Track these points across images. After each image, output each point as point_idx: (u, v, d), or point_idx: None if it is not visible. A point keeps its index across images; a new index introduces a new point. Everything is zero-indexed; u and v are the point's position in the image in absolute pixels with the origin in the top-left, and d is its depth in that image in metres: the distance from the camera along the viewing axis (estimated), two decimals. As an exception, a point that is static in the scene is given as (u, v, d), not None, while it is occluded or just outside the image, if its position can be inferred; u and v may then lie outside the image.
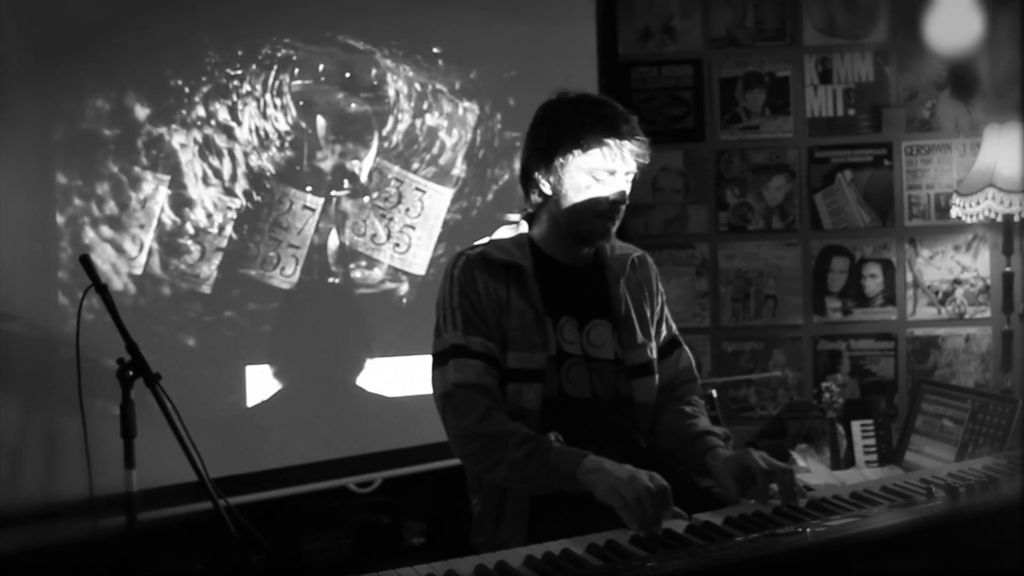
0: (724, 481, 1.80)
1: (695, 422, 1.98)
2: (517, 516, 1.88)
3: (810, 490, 1.82)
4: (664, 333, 2.10)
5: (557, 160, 1.91)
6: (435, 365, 1.92)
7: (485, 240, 2.03)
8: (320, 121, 2.79)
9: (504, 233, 2.03)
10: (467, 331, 1.88)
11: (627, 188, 1.92)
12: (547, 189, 1.94)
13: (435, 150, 2.99)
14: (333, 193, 2.82)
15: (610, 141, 1.87)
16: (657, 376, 2.03)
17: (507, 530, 1.89)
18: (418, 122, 2.96)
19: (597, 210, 1.91)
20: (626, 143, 1.88)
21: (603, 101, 1.95)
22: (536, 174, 1.95)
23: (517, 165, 3.17)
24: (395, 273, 2.94)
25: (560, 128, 1.91)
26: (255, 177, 2.69)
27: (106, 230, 2.47)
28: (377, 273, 2.91)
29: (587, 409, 1.93)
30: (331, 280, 2.84)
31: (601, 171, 1.89)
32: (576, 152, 1.89)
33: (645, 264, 2.11)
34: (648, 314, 2.05)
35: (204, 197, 2.61)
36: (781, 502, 1.70)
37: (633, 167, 1.91)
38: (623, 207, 1.93)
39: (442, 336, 1.92)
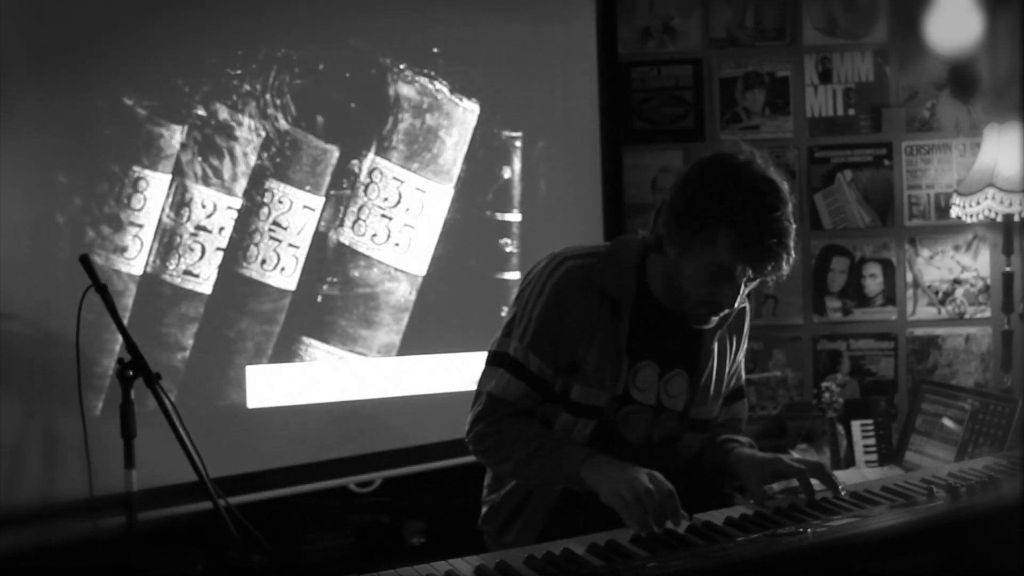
0: (753, 486, 1.81)
1: (720, 432, 1.99)
2: (535, 520, 1.88)
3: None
4: (733, 383, 2.02)
5: (683, 234, 1.73)
6: (489, 361, 1.86)
7: (594, 249, 1.89)
8: (320, 121, 2.78)
9: (615, 253, 1.87)
10: (532, 347, 1.79)
11: (744, 291, 1.76)
12: (668, 251, 1.79)
13: (435, 150, 2.99)
14: (333, 192, 2.82)
15: (743, 256, 1.69)
16: (706, 435, 1.97)
17: (521, 525, 1.88)
18: (418, 122, 2.95)
19: (703, 300, 1.76)
20: (762, 263, 1.70)
21: (759, 210, 1.68)
22: (664, 231, 1.78)
23: (517, 165, 3.19)
24: (395, 273, 2.93)
25: (702, 215, 1.71)
26: (255, 177, 2.69)
27: (106, 230, 2.47)
28: (376, 273, 2.91)
29: (636, 451, 1.85)
30: (331, 280, 2.84)
31: (723, 271, 1.72)
32: (705, 243, 1.71)
33: (743, 317, 1.99)
34: (728, 369, 1.98)
35: (204, 197, 2.61)
36: (832, 495, 1.75)
37: (757, 279, 1.76)
38: (732, 306, 1.78)
39: (509, 338, 1.83)
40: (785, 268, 1.72)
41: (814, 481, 1.78)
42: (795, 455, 3.11)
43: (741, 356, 2.02)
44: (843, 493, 1.75)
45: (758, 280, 1.76)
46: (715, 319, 1.81)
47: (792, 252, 1.72)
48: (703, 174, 1.76)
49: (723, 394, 1.97)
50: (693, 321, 1.82)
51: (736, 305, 1.79)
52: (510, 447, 1.80)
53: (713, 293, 1.75)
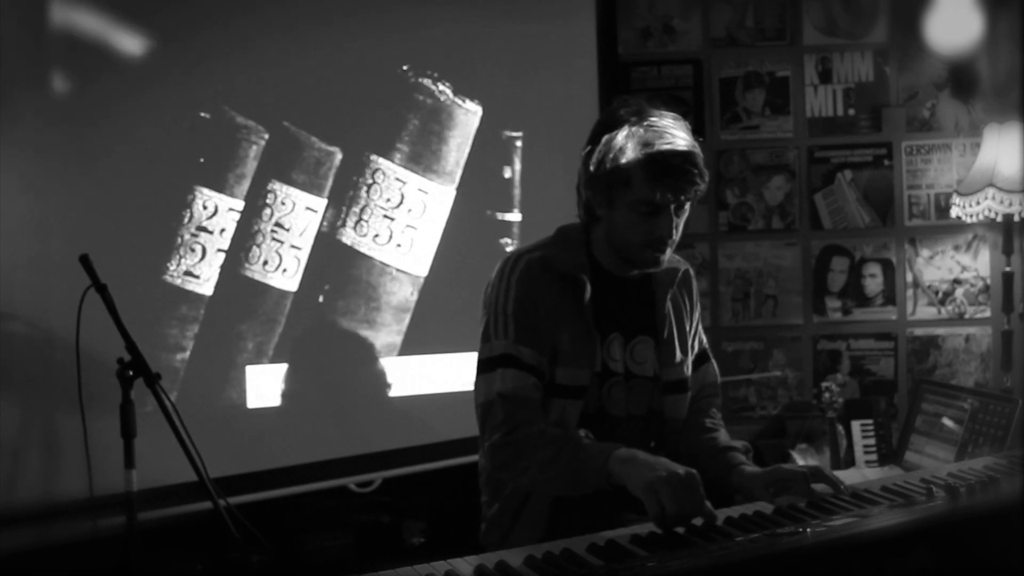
0: (759, 495, 1.81)
1: (716, 436, 2.00)
2: (536, 520, 1.87)
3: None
4: (696, 348, 2.08)
5: (603, 188, 1.84)
6: (481, 371, 1.87)
7: (542, 241, 1.96)
8: (321, 121, 2.78)
9: (563, 239, 1.95)
10: (519, 340, 1.82)
11: (678, 220, 1.84)
12: (598, 211, 1.88)
13: (435, 150, 2.99)
14: (335, 194, 2.82)
15: (659, 182, 1.78)
16: (689, 393, 2.01)
17: (523, 531, 1.87)
18: (418, 122, 2.96)
19: (644, 241, 1.84)
20: (677, 184, 1.79)
21: (656, 139, 1.81)
22: (586, 194, 1.89)
23: (518, 165, 3.19)
24: (396, 274, 2.94)
25: (610, 157, 1.82)
26: (257, 178, 2.69)
27: (107, 230, 2.47)
28: (378, 273, 2.91)
29: (622, 426, 1.90)
30: (332, 280, 2.84)
31: (649, 205, 1.80)
32: (623, 187, 1.81)
33: (689, 278, 2.06)
34: (688, 329, 2.03)
35: (206, 198, 2.61)
36: (834, 494, 1.76)
37: (685, 202, 1.83)
38: (672, 240, 1.85)
39: (491, 343, 1.86)
40: (701, 185, 1.81)
41: (819, 485, 1.78)
42: (795, 456, 3.13)
43: (697, 319, 2.08)
44: (844, 489, 1.76)
45: (687, 203, 1.84)
46: (664, 255, 1.86)
47: (704, 170, 1.81)
48: (599, 131, 1.87)
49: (688, 356, 2.02)
50: (645, 265, 1.89)
51: (675, 236, 1.85)
52: (531, 453, 1.77)
53: (650, 231, 1.82)
